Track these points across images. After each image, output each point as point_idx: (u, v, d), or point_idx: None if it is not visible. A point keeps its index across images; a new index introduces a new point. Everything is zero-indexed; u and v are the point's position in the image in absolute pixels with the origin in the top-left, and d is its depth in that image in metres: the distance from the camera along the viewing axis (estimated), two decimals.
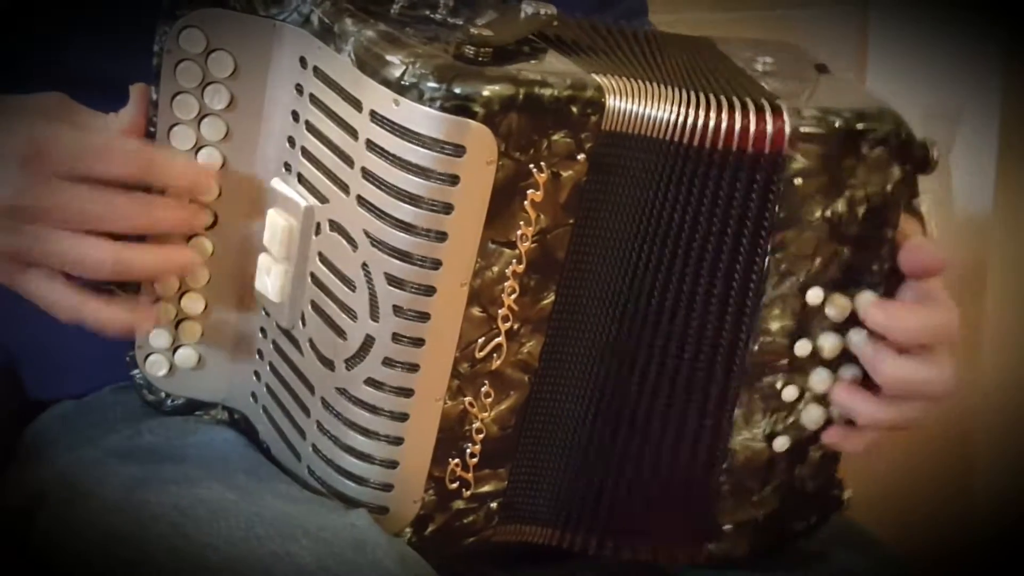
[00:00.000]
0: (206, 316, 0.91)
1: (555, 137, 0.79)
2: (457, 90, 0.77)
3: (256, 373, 0.92)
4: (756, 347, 0.86)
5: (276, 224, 0.85)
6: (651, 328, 0.86)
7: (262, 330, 0.91)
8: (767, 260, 0.84)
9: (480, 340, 0.83)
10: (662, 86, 0.82)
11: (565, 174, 0.80)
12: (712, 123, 0.82)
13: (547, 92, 0.79)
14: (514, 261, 0.81)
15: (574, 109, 0.79)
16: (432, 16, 0.84)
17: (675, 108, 0.82)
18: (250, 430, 0.93)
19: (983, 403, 1.60)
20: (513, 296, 0.82)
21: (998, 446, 1.68)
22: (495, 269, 0.81)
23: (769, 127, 0.83)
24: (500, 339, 0.83)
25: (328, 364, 0.84)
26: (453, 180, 0.78)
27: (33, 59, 0.95)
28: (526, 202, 0.80)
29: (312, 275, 0.85)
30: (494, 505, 0.87)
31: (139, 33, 0.85)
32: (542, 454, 0.88)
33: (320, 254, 0.84)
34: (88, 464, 0.90)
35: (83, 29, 0.94)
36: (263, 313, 0.90)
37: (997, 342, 1.64)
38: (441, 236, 0.79)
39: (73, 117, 0.85)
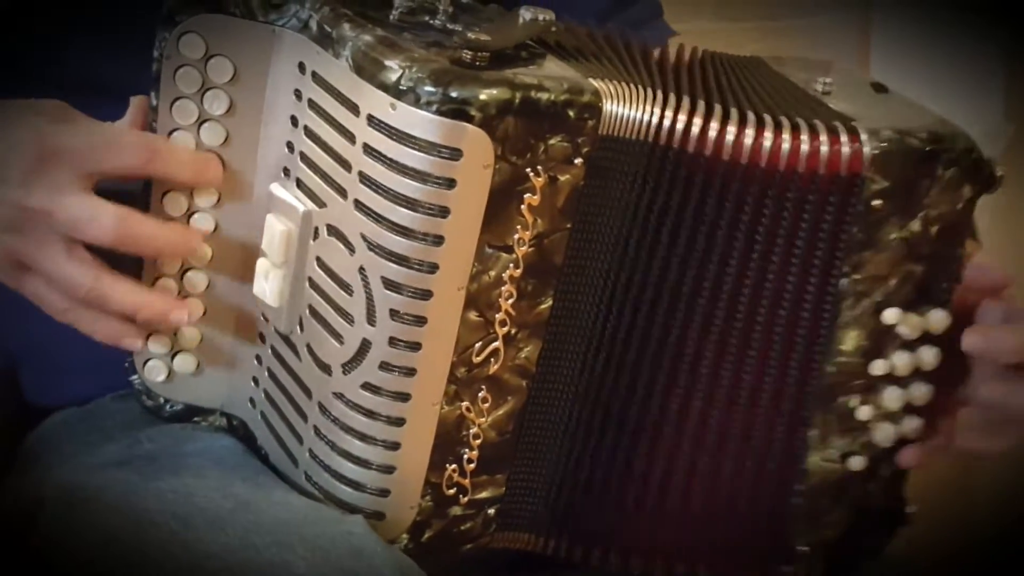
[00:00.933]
0: (204, 321, 0.91)
1: (552, 141, 0.79)
2: (454, 94, 0.77)
3: (254, 379, 0.92)
4: (833, 368, 0.86)
5: (274, 229, 0.85)
6: (655, 337, 0.85)
7: (260, 335, 0.91)
8: (844, 281, 0.84)
9: (477, 344, 0.83)
10: (661, 91, 0.82)
11: (562, 178, 0.80)
12: (798, 145, 0.82)
13: (544, 96, 0.79)
14: (511, 265, 0.81)
15: (571, 113, 0.79)
16: (431, 22, 0.84)
17: (671, 113, 0.82)
18: (248, 436, 0.93)
19: None
20: (510, 300, 0.82)
21: None
22: (492, 273, 0.81)
23: (846, 149, 0.82)
24: (497, 343, 0.83)
25: (325, 369, 0.84)
26: (450, 184, 0.78)
27: (32, 60, 0.95)
28: (523, 206, 0.80)
29: (310, 280, 0.85)
30: (491, 511, 0.87)
31: (137, 35, 0.85)
32: (540, 461, 0.87)
33: (318, 259, 0.84)
34: (88, 471, 0.90)
35: (82, 30, 0.94)
36: (261, 318, 0.90)
37: None
38: (438, 240, 0.79)
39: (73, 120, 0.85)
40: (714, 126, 0.82)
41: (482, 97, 0.77)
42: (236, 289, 0.90)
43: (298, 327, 0.86)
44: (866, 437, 0.88)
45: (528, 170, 0.79)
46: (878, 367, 0.86)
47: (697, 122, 0.82)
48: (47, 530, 0.87)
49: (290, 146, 0.86)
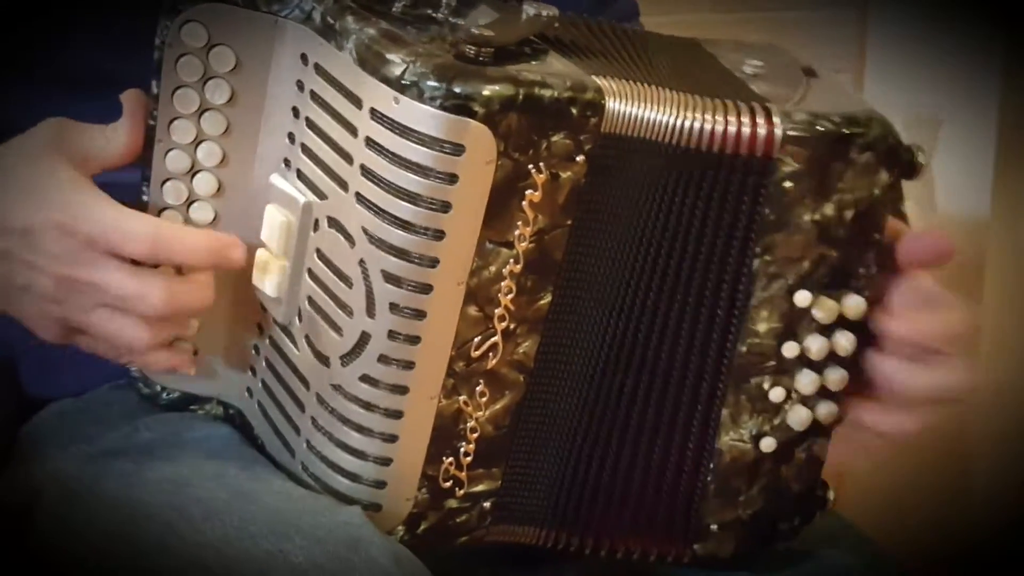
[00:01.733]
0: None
1: (554, 138, 0.79)
2: (457, 89, 0.77)
3: (252, 368, 0.92)
4: (744, 348, 0.87)
5: (274, 220, 0.85)
6: (646, 329, 0.86)
7: (258, 326, 0.91)
8: (756, 263, 0.85)
9: (476, 339, 0.83)
10: (661, 89, 0.83)
11: (564, 175, 0.81)
12: (705, 126, 0.82)
13: (547, 93, 0.79)
14: (511, 261, 0.82)
15: (574, 110, 0.79)
16: (434, 16, 0.83)
17: (673, 111, 0.82)
18: (245, 426, 0.93)
19: (980, 404, 1.60)
20: (510, 296, 0.82)
21: (996, 447, 1.68)
22: (492, 269, 0.81)
23: (761, 130, 0.83)
24: (496, 338, 0.83)
25: (324, 360, 0.84)
26: (452, 179, 0.78)
27: (34, 56, 0.95)
28: (524, 202, 0.80)
29: (309, 271, 0.85)
30: (487, 505, 0.87)
31: (139, 29, 0.85)
32: (536, 454, 0.88)
33: (318, 250, 0.84)
34: (84, 462, 0.90)
35: (84, 26, 0.94)
36: (260, 308, 0.90)
37: (994, 343, 1.65)
38: (439, 235, 0.79)
39: (77, 140, 0.85)
40: (709, 119, 0.82)
41: (485, 93, 0.77)
42: (235, 279, 0.89)
43: (297, 318, 0.86)
44: (779, 419, 0.88)
45: (530, 166, 0.79)
46: (790, 349, 0.87)
47: (698, 118, 0.82)
48: (44, 520, 0.87)
49: (291, 137, 0.86)
